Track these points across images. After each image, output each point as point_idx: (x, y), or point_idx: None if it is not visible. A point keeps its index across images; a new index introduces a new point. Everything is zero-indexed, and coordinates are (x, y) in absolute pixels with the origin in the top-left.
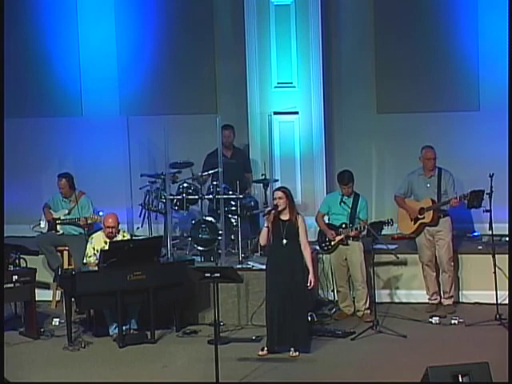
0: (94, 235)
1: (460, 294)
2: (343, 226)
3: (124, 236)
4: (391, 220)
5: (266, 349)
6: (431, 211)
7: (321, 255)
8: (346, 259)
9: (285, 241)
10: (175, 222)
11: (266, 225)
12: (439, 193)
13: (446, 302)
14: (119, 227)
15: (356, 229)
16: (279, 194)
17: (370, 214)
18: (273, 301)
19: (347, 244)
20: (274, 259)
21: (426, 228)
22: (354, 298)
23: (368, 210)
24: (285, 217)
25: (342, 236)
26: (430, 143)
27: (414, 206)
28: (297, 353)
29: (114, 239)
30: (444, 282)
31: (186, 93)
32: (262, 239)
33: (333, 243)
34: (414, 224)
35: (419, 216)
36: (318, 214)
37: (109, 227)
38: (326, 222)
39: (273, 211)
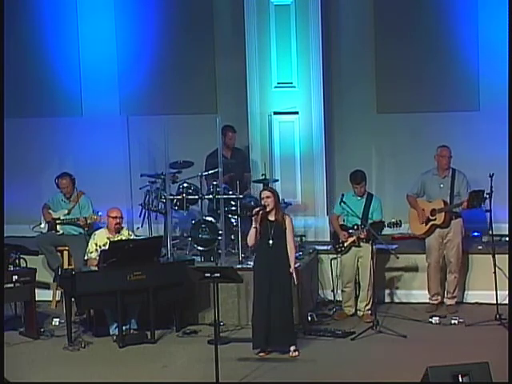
0: (97, 232)
1: (463, 294)
2: (355, 227)
3: (129, 234)
4: (400, 221)
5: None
6: (443, 213)
7: (324, 255)
8: (358, 260)
9: (271, 241)
10: (175, 222)
11: (253, 225)
12: (452, 194)
13: (448, 301)
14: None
15: (366, 230)
16: (267, 193)
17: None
18: (260, 301)
19: (359, 245)
20: (260, 260)
21: (437, 229)
22: (355, 298)
23: (382, 209)
24: (272, 217)
25: (354, 238)
26: (430, 143)
27: (426, 207)
28: (296, 353)
29: (119, 237)
30: (449, 282)
31: (185, 93)
32: (250, 240)
33: (345, 244)
34: (426, 225)
35: (431, 217)
36: (332, 215)
37: (116, 217)
38: (341, 223)
39: (261, 212)
